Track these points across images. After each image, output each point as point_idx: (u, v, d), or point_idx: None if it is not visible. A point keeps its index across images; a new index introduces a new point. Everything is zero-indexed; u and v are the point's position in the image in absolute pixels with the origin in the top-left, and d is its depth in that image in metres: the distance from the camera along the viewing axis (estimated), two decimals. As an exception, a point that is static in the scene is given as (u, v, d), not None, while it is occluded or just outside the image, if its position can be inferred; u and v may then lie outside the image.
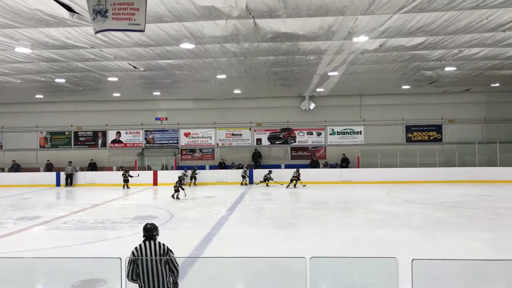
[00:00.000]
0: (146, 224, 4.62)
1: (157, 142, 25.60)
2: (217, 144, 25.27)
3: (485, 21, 9.88)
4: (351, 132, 24.69)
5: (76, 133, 25.92)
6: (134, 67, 14.67)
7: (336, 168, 23.30)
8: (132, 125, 25.60)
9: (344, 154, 23.72)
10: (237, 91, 21.67)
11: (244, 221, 12.20)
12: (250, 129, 25.12)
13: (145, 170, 23.19)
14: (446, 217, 12.14)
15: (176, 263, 4.42)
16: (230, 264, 6.36)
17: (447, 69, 15.80)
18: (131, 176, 20.64)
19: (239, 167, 23.82)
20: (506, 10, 9.13)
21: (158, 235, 4.62)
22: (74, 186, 21.99)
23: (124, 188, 20.47)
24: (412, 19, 9.64)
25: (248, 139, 25.13)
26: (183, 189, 16.52)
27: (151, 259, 4.30)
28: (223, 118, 25.19)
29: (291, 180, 19.93)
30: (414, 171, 21.31)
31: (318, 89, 21.21)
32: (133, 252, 4.40)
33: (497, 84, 20.27)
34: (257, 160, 24.36)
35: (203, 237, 9.90)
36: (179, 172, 21.28)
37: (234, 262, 6.51)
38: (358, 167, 22.76)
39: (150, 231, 4.55)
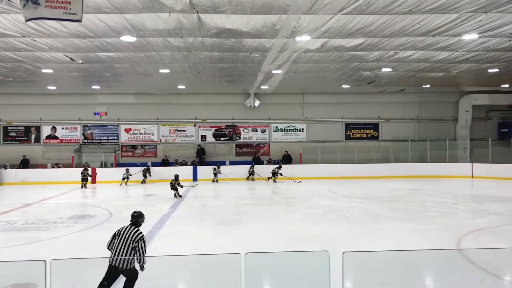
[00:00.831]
0: (134, 212, 5.82)
1: (96, 138, 24.50)
2: (160, 141, 24.69)
3: (417, 26, 10.50)
4: (294, 129, 25.23)
5: (5, 127, 24.11)
6: (71, 59, 13.90)
7: (280, 164, 23.68)
8: (68, 120, 24.27)
9: (286, 151, 24.19)
10: (181, 86, 21.29)
11: (186, 219, 12.06)
12: (194, 125, 24.82)
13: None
14: (381, 211, 12.82)
15: (143, 250, 5.45)
16: (171, 262, 6.26)
17: (383, 70, 16.62)
18: (90, 176, 19.79)
19: (182, 164, 23.47)
20: (436, 16, 9.77)
21: (143, 222, 5.79)
22: (2, 184, 20.39)
23: (82, 187, 19.29)
24: (352, 20, 10.01)
25: (193, 136, 24.81)
26: (181, 186, 15.74)
27: (124, 238, 5.45)
28: (166, 114, 24.65)
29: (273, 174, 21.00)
30: (352, 167, 22.25)
31: (262, 87, 21.42)
32: (117, 229, 5.65)
33: (428, 86, 21.68)
34: (201, 157, 24.13)
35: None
36: (121, 170, 20.57)
37: (174, 260, 6.42)
38: (300, 163, 23.33)
39: (136, 218, 5.74)
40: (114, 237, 5.64)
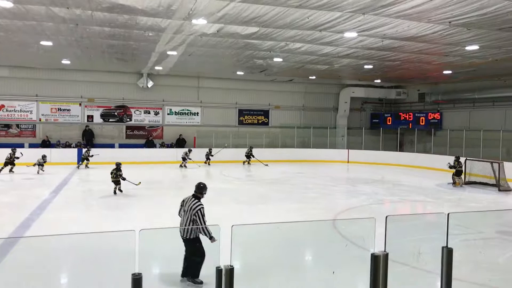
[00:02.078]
0: (199, 183, 6.01)
1: (-41, 114, 21.32)
2: (40, 120, 22.46)
3: (306, 20, 11.30)
4: (188, 112, 25.11)
5: None
6: None
7: (173, 148, 23.48)
8: None
9: (181, 135, 24.03)
10: (65, 61, 19.53)
11: (70, 204, 11.36)
12: (80, 104, 23.07)
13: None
14: (268, 192, 13.66)
15: (203, 220, 5.64)
16: (53, 249, 5.93)
17: (275, 59, 17.48)
18: (17, 158, 16.99)
19: (66, 145, 21.76)
20: (322, 13, 10.62)
21: (205, 193, 5.98)
22: None
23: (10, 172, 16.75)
24: (247, 9, 10.34)
25: (78, 116, 23.05)
26: (123, 179, 12.49)
27: (185, 210, 5.77)
28: (47, 91, 22.42)
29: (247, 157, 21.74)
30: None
31: (156, 67, 20.83)
32: (183, 199, 5.99)
33: (314, 77, 23.39)
34: (89, 139, 22.61)
35: (19, 222, 8.90)
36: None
37: (57, 246, 6.09)
38: (194, 147, 23.41)
39: (199, 189, 5.93)
40: (180, 205, 5.98)
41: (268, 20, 11.28)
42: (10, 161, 16.74)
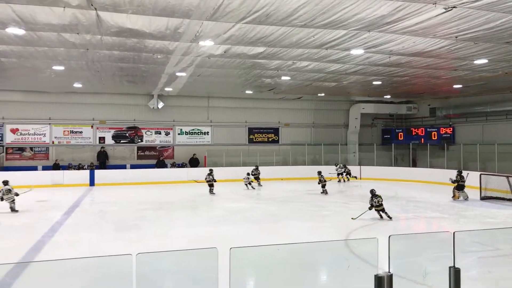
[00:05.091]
0: None
1: (-25, 138, 21.79)
2: (53, 142, 22.82)
3: (312, 39, 11.37)
4: (199, 132, 25.27)
5: None
6: None
7: (184, 168, 23.56)
8: None
9: (194, 154, 24.14)
10: (77, 85, 19.93)
11: (81, 226, 11.39)
12: (92, 126, 23.42)
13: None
14: (279, 211, 13.54)
15: None
16: (64, 271, 5.92)
17: (283, 78, 17.57)
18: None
19: (79, 167, 21.99)
20: (328, 31, 10.68)
21: None
22: None
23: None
24: (253, 29, 10.47)
25: (90, 138, 23.38)
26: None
27: None
28: (60, 114, 22.84)
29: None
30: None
31: (166, 89, 21.10)
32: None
33: (323, 94, 23.41)
34: (104, 161, 22.83)
35: (32, 245, 8.94)
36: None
37: (68, 269, 6.08)
38: (205, 166, 23.44)
39: None
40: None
41: (274, 40, 11.39)
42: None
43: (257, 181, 20.32)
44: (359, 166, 24.15)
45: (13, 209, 13.06)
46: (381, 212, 11.81)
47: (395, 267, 3.31)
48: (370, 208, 11.79)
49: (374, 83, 18.89)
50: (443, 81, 18.44)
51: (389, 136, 27.45)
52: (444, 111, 24.70)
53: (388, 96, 24.58)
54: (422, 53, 12.84)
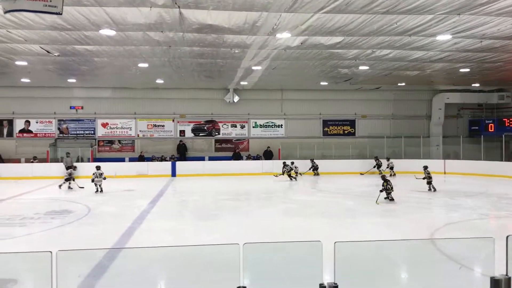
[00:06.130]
0: None
1: (72, 132, 24.04)
2: (138, 135, 24.43)
3: (394, 26, 10.80)
4: (273, 125, 25.42)
5: (-25, 121, 23.38)
6: (47, 52, 13.62)
7: (259, 160, 23.90)
8: (43, 113, 23.71)
9: (268, 147, 24.39)
10: (160, 81, 21.12)
11: (166, 214, 12.05)
12: (173, 120, 24.67)
13: (59, 162, 21.69)
14: (355, 205, 13.16)
15: None
16: (154, 256, 6.27)
17: (361, 68, 16.98)
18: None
19: (162, 159, 23.30)
20: (412, 17, 10.08)
21: None
22: (-26, 179, 19.80)
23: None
24: (332, 19, 10.21)
25: (171, 131, 24.66)
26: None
27: None
28: (144, 108, 24.38)
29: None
30: (329, 163, 22.60)
31: (242, 82, 21.49)
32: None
33: (403, 84, 22.23)
34: (183, 153, 24.01)
35: (123, 231, 9.62)
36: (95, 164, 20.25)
37: (156, 254, 6.43)
38: (279, 159, 23.52)
39: None
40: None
41: (353, 28, 11.01)
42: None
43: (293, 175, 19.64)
44: (443, 160, 22.63)
45: (98, 190, 15.54)
46: (391, 195, 13.05)
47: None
48: (387, 192, 12.96)
49: (462, 70, 17.51)
50: (544, 66, 16.54)
51: (477, 128, 25.35)
52: (543, 100, 22.18)
53: (477, 84, 22.64)
54: (521, 36, 11.62)
